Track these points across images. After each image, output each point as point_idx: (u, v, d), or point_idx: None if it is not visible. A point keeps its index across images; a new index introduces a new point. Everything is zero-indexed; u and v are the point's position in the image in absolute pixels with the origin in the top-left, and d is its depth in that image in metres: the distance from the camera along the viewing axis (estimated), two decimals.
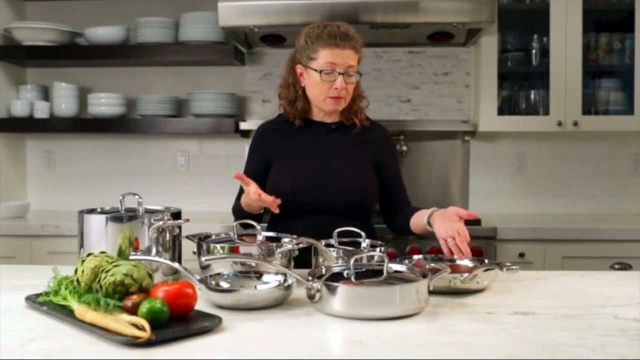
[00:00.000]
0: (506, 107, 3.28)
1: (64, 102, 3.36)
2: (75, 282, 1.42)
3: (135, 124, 3.37)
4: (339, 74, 1.94)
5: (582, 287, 1.67)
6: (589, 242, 2.90)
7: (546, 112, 3.17)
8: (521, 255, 2.90)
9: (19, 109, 3.33)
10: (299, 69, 2.03)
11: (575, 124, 3.13)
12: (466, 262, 1.70)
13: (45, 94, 3.50)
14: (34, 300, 1.43)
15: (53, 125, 3.39)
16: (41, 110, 3.34)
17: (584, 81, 3.13)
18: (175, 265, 1.56)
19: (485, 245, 2.89)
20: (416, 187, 3.49)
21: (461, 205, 3.46)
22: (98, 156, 3.60)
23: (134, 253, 1.62)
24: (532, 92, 3.27)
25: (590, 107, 3.22)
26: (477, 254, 2.83)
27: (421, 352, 1.15)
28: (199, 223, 2.64)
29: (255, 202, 1.86)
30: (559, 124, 3.13)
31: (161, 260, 1.59)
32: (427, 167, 3.50)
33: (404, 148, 3.41)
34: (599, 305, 1.47)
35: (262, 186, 1.95)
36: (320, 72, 1.95)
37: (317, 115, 2.09)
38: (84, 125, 3.40)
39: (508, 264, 1.56)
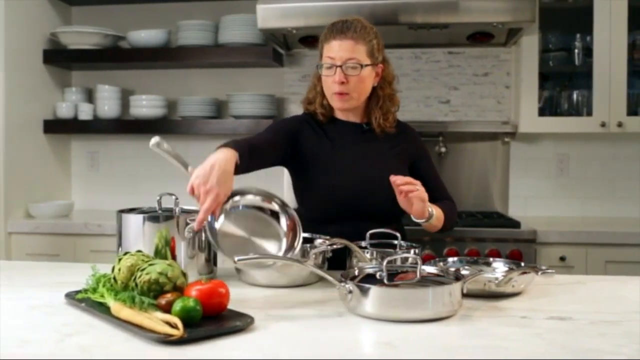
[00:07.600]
0: (548, 108, 3.22)
1: (107, 104, 3.44)
2: (112, 280, 1.46)
3: (175, 126, 3.43)
4: (337, 66, 1.86)
5: (622, 292, 1.62)
6: (633, 247, 2.82)
7: (589, 113, 3.10)
8: (562, 259, 2.84)
9: (64, 110, 3.42)
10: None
11: (620, 124, 3.05)
12: None
13: (90, 96, 3.58)
14: (72, 297, 1.47)
15: (96, 127, 3.48)
16: (85, 112, 3.43)
17: (629, 81, 3.05)
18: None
19: (526, 249, 2.84)
20: (455, 189, 3.43)
21: (501, 207, 3.42)
22: (140, 156, 3.67)
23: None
24: (575, 92, 3.20)
25: (636, 107, 3.13)
26: (516, 257, 2.79)
27: (451, 355, 1.14)
28: None
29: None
30: (603, 124, 3.06)
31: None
32: (467, 169, 3.45)
33: (443, 149, 3.38)
34: (638, 312, 1.43)
35: (266, 155, 1.92)
36: (319, 66, 1.92)
37: (343, 115, 2.02)
38: (126, 126, 3.48)
39: (544, 267, 1.53)
